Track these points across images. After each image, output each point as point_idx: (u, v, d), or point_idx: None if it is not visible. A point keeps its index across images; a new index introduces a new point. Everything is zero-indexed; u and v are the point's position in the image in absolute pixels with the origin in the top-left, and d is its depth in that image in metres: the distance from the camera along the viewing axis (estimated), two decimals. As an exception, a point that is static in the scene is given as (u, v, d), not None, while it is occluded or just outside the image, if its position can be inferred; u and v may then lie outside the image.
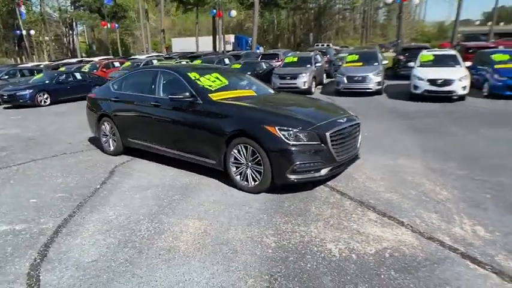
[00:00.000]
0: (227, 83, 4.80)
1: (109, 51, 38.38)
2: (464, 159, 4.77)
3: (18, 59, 44.26)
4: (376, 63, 11.91)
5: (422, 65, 10.69)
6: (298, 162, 3.53)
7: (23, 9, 37.59)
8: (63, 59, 32.43)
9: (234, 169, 3.95)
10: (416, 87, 10.04)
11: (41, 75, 14.30)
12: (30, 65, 23.09)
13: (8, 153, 6.10)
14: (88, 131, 6.27)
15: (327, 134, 3.63)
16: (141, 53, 37.58)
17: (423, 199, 3.59)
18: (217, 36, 34.41)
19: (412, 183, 4.02)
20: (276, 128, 3.58)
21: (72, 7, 51.50)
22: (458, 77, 9.54)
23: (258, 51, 27.37)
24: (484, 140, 5.78)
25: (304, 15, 55.44)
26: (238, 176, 3.94)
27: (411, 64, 11.43)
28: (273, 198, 3.71)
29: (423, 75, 9.92)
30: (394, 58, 17.87)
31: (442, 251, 2.67)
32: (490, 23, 35.83)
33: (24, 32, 36.43)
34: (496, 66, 10.16)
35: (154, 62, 17.50)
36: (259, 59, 17.21)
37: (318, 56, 14.19)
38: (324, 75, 14.89)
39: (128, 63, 17.79)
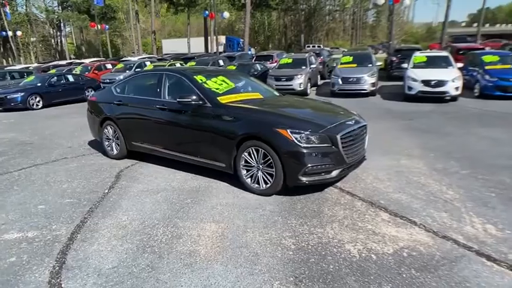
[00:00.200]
0: (233, 86, 4.82)
1: (99, 52, 37.82)
2: (465, 159, 4.90)
3: (4, 61, 43.21)
4: (370, 65, 12.11)
5: (415, 66, 10.87)
6: (310, 165, 3.57)
7: (7, 9, 36.75)
8: (51, 61, 31.75)
9: (245, 172, 3.97)
10: (410, 88, 10.22)
11: (32, 77, 14.04)
12: (18, 67, 22.58)
13: (7, 158, 5.97)
14: (87, 134, 6.20)
15: (338, 136, 3.68)
16: (132, 55, 37.17)
17: (432, 199, 3.67)
18: (209, 38, 34.30)
19: (419, 183, 4.12)
20: (288, 130, 3.61)
21: (60, 8, 50.57)
22: (451, 78, 9.78)
23: (249, 52, 27.37)
24: (481, 139, 5.94)
25: (295, 17, 55.74)
26: (249, 179, 3.96)
27: (404, 65, 11.63)
28: (285, 200, 3.74)
29: (417, 76, 10.11)
30: (386, 59, 18.14)
31: (457, 249, 2.74)
32: (475, 25, 36.74)
33: (10, 33, 35.59)
34: (486, 68, 10.46)
35: (147, 63, 17.33)
36: (253, 60, 17.25)
37: (312, 57, 14.33)
38: (319, 77, 15.04)
39: (120, 65, 17.59)
